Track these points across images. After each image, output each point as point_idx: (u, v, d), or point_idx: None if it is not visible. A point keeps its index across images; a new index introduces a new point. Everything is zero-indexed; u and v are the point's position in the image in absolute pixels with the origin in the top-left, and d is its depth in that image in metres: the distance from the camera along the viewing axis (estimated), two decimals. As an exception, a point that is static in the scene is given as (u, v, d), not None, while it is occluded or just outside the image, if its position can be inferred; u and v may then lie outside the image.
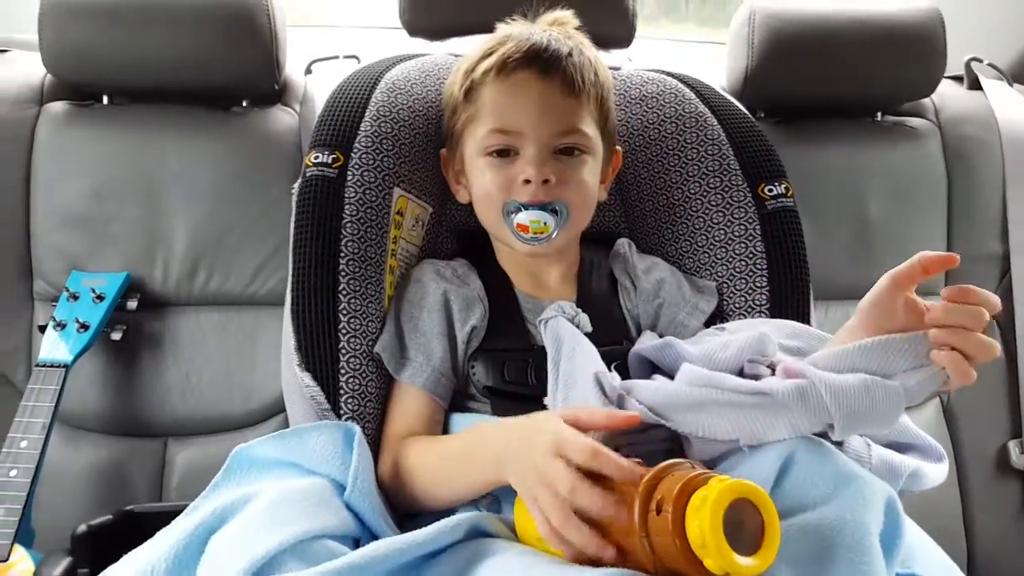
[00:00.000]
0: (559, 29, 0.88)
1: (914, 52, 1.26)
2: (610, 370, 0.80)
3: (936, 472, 0.74)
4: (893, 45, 1.25)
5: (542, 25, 0.88)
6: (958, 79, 1.42)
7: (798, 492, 0.60)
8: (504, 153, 0.84)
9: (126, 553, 0.62)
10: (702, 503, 0.52)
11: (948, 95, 1.36)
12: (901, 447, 0.76)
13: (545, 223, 0.83)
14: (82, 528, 0.82)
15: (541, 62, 0.83)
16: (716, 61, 1.38)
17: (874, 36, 1.24)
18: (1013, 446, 1.27)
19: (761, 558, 0.53)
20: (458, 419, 0.81)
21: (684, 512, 0.53)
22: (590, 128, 0.85)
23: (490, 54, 0.85)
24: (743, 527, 0.53)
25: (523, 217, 0.83)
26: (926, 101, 1.35)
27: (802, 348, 0.76)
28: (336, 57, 1.33)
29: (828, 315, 1.27)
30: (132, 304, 1.14)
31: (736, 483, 0.53)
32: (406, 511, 0.75)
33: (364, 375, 0.81)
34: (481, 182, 0.86)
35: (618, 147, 0.93)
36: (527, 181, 0.82)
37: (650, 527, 0.55)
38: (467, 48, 1.07)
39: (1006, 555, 1.25)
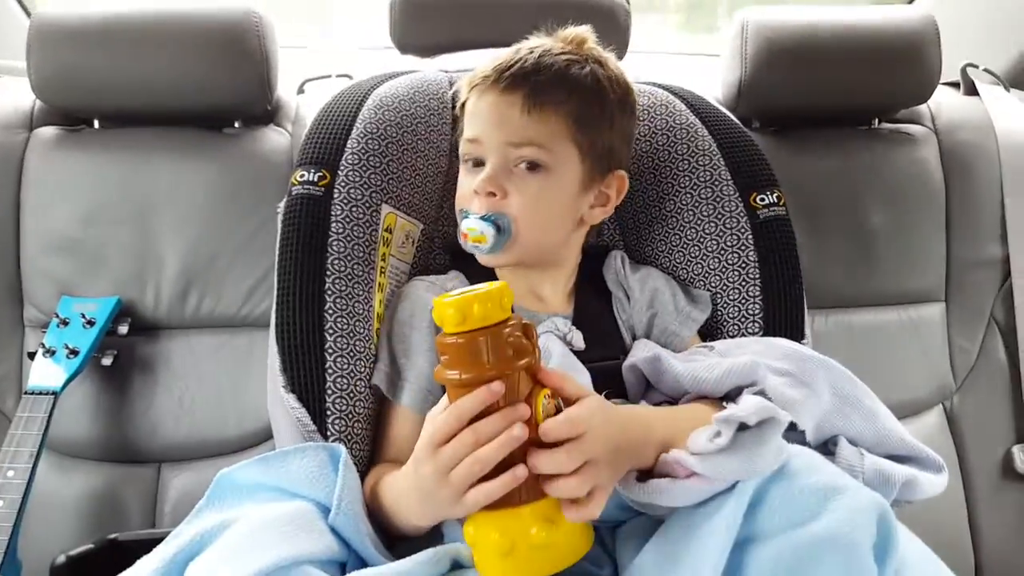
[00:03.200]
0: (557, 47, 0.87)
1: (908, 59, 1.25)
2: (601, 391, 0.79)
3: (933, 482, 0.72)
4: (887, 52, 1.24)
5: (555, 41, 0.88)
6: (955, 85, 1.41)
7: (783, 508, 0.59)
8: (477, 164, 0.85)
9: (105, 583, 0.60)
10: None
11: (944, 101, 1.35)
12: (900, 459, 0.75)
13: (482, 233, 0.82)
14: (61, 559, 0.80)
15: (503, 80, 0.84)
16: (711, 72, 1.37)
17: (867, 44, 1.23)
18: (1017, 451, 1.25)
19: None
20: None
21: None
22: (556, 145, 0.83)
23: (472, 72, 0.88)
24: None
25: (464, 224, 0.84)
26: (923, 108, 1.34)
27: (791, 371, 0.75)
28: (329, 76, 1.33)
29: (828, 323, 1.26)
30: (123, 329, 1.13)
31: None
32: (394, 535, 0.73)
33: (352, 395, 0.80)
34: (458, 190, 0.88)
35: (622, 171, 0.90)
36: (476, 192, 0.83)
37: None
38: (458, 64, 1.07)
39: (1013, 562, 1.23)
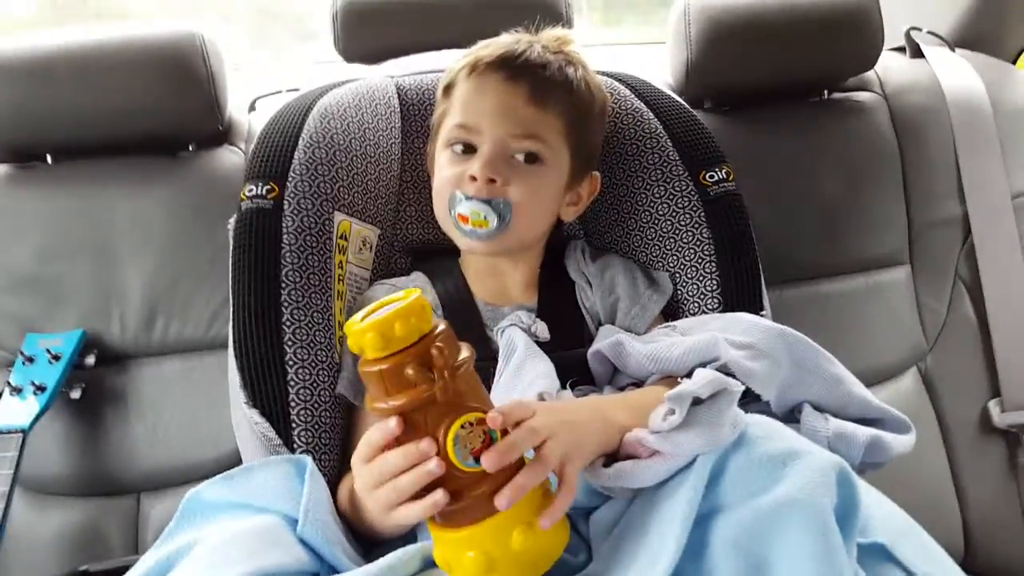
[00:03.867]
0: (553, 45, 0.88)
1: (850, 27, 1.25)
2: (567, 384, 0.79)
3: (900, 442, 0.73)
4: (828, 22, 1.24)
5: (542, 39, 0.89)
6: (900, 50, 1.43)
7: (743, 477, 0.59)
8: (467, 150, 0.84)
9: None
10: None
11: (892, 67, 1.36)
12: (867, 422, 0.76)
13: (485, 217, 0.82)
14: (32, 594, 0.79)
15: (509, 68, 0.84)
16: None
17: (808, 15, 1.24)
18: (993, 406, 1.25)
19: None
20: None
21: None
22: (553, 140, 0.85)
23: (472, 56, 0.88)
24: None
25: (464, 207, 0.83)
26: (871, 74, 1.35)
27: (752, 343, 0.76)
28: (279, 92, 1.32)
29: (797, 295, 1.27)
30: (90, 360, 1.11)
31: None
32: (368, 539, 0.72)
33: (316, 405, 0.79)
34: (439, 175, 0.87)
35: (596, 173, 0.92)
36: (474, 178, 0.82)
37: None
38: (403, 68, 1.07)
39: (999, 515, 1.24)
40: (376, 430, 0.59)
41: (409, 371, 0.56)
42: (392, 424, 0.57)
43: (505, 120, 0.83)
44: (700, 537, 0.59)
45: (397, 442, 0.59)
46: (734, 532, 0.57)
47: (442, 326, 0.59)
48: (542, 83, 0.84)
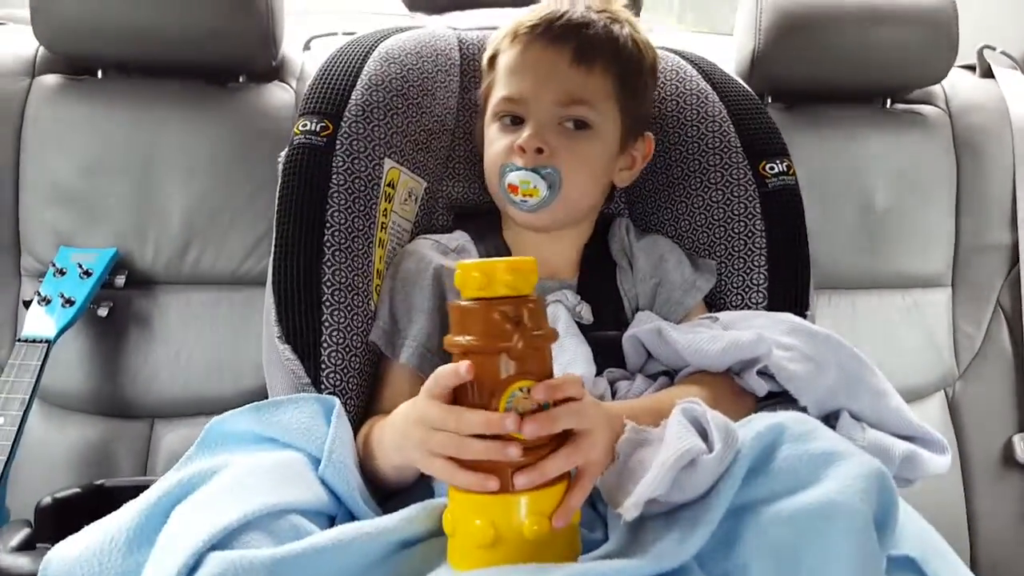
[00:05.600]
0: (597, 4, 0.86)
1: (925, 38, 1.22)
2: (600, 363, 0.77)
3: (935, 460, 0.71)
4: (903, 31, 1.22)
5: (586, 1, 0.86)
6: (970, 68, 1.39)
7: (781, 474, 0.57)
8: (515, 121, 0.83)
9: (94, 529, 0.59)
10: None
11: (959, 83, 1.33)
12: (903, 439, 0.74)
13: (535, 186, 0.80)
14: (47, 500, 0.79)
15: (552, 31, 0.82)
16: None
17: (884, 21, 1.21)
18: (1018, 440, 1.24)
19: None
20: None
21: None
22: (601, 103, 0.82)
23: (513, 23, 0.85)
24: None
25: (514, 177, 0.81)
26: (936, 89, 1.32)
27: (797, 345, 0.73)
28: (335, 33, 1.31)
29: (831, 303, 1.25)
30: (120, 281, 1.12)
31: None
32: (383, 489, 0.72)
33: (347, 349, 0.78)
34: (488, 149, 0.85)
35: (649, 134, 0.90)
36: (523, 149, 0.80)
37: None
38: (467, 22, 1.05)
39: (1010, 551, 1.22)
40: (449, 371, 0.57)
41: (495, 316, 0.56)
42: (463, 369, 0.55)
43: (550, 87, 0.81)
44: (732, 530, 0.57)
45: (461, 391, 0.57)
46: (769, 527, 0.55)
47: (537, 297, 0.59)
48: (586, 43, 0.81)
